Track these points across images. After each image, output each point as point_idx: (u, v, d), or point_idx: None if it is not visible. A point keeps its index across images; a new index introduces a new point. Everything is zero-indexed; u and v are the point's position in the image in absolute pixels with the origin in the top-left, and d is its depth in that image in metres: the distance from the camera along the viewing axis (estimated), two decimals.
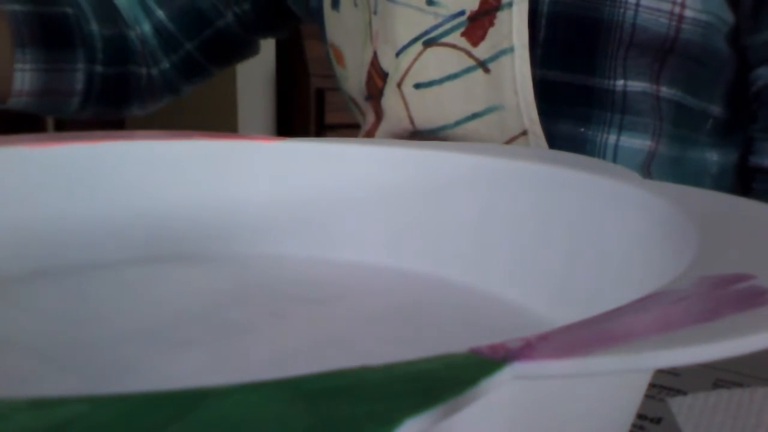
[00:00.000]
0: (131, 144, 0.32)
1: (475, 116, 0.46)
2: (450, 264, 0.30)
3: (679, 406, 0.23)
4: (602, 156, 0.46)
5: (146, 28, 0.63)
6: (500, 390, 0.09)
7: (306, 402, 0.08)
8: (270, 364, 0.22)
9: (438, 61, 0.46)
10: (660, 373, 0.26)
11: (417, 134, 0.49)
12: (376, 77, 0.50)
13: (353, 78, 0.55)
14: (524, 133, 0.45)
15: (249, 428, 0.07)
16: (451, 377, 0.09)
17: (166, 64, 0.64)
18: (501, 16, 0.44)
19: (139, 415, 0.07)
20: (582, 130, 0.45)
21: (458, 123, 0.46)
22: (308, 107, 2.19)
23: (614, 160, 0.46)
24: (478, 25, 0.45)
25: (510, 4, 0.43)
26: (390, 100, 0.49)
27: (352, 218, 0.32)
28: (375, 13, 0.49)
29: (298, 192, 0.33)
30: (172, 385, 0.20)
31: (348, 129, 2.20)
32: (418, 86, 0.47)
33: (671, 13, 0.42)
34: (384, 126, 0.50)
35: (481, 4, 0.44)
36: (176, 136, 0.33)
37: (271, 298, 0.27)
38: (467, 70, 0.45)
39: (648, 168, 0.46)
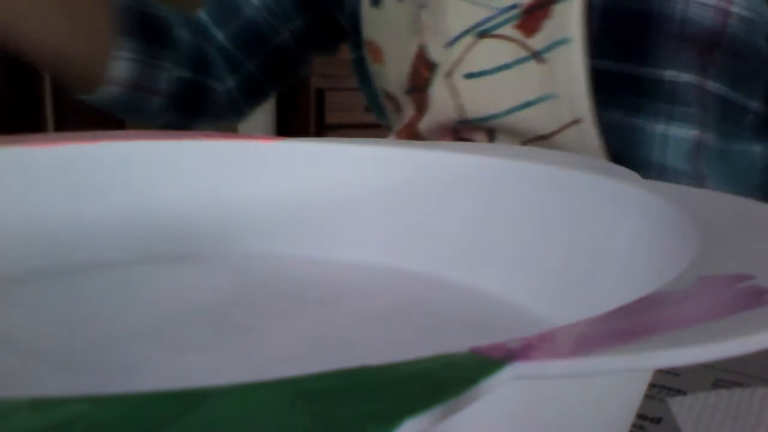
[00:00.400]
0: (131, 144, 0.32)
1: (527, 105, 0.47)
2: (450, 264, 0.30)
3: (679, 406, 0.23)
4: (651, 145, 0.47)
5: (212, 50, 0.65)
6: (500, 390, 0.09)
7: (306, 402, 0.08)
8: (270, 364, 0.22)
9: (490, 52, 0.48)
10: (660, 373, 0.26)
11: (465, 123, 0.50)
12: (423, 69, 0.51)
13: (394, 72, 0.56)
14: (575, 121, 0.46)
15: (249, 428, 0.07)
16: (451, 377, 0.09)
17: (231, 83, 0.66)
18: (557, 8, 0.45)
19: (139, 415, 0.07)
20: (632, 119, 0.46)
21: (509, 111, 0.48)
22: (308, 107, 2.19)
23: (663, 149, 0.47)
24: (533, 16, 0.46)
25: None
26: (438, 90, 0.50)
27: (352, 218, 0.32)
28: (424, 6, 0.51)
29: (298, 192, 0.33)
30: (173, 385, 0.20)
31: (348, 129, 2.20)
32: (469, 76, 0.49)
33: (717, 8, 0.44)
34: (429, 116, 0.51)
35: None
36: (176, 136, 0.33)
37: (271, 298, 0.27)
38: (520, 61, 0.47)
39: (697, 159, 0.47)
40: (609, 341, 0.10)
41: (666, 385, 0.25)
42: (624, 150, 0.47)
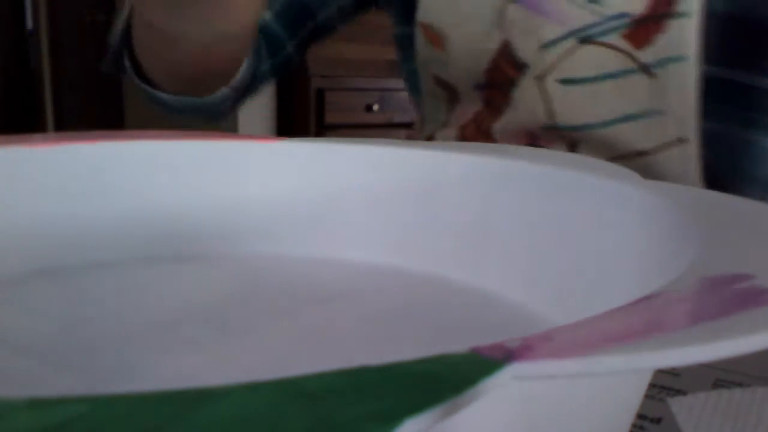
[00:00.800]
0: (131, 144, 0.32)
1: (628, 118, 0.46)
2: (450, 264, 0.30)
3: (679, 406, 0.23)
4: (759, 160, 0.45)
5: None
6: (500, 390, 0.09)
7: (306, 402, 0.08)
8: (270, 364, 0.22)
9: (592, 60, 0.46)
10: (660, 373, 0.26)
11: (552, 129, 0.48)
12: (507, 67, 0.49)
13: (459, 63, 0.53)
14: (680, 140, 0.44)
15: (249, 428, 0.07)
16: (451, 377, 0.09)
17: (267, 66, 0.62)
18: (673, 24, 0.43)
19: (139, 415, 0.07)
20: (742, 132, 0.45)
21: (608, 123, 0.46)
22: (308, 107, 2.19)
23: None
24: (644, 28, 0.44)
25: (685, 15, 0.43)
26: (525, 92, 0.48)
27: (351, 218, 0.32)
28: (515, 1, 0.48)
29: (298, 192, 0.33)
30: (172, 385, 0.20)
31: (348, 129, 2.20)
32: (565, 82, 0.47)
33: None
34: (510, 117, 0.50)
35: (650, 8, 0.44)
36: (176, 136, 0.33)
37: (270, 298, 0.27)
38: (626, 72, 0.45)
39: None
40: (609, 341, 0.10)
41: (666, 385, 0.25)
42: (728, 164, 0.45)
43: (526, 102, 0.48)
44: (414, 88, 0.61)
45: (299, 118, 2.24)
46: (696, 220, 0.19)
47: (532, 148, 0.32)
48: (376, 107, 2.22)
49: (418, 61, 0.57)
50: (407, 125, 2.24)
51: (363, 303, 0.27)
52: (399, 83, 2.23)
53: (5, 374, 0.20)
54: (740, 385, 0.24)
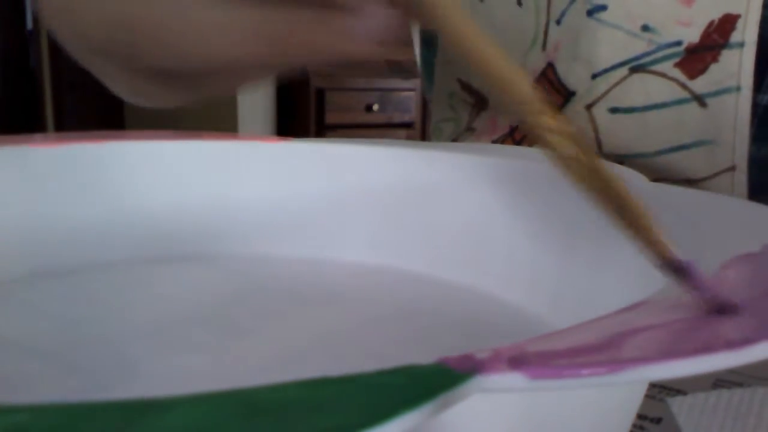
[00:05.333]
0: (131, 144, 0.32)
1: (681, 148, 0.45)
2: (449, 264, 0.30)
3: (679, 406, 0.23)
4: None
5: None
6: (500, 390, 0.09)
7: (255, 415, 0.08)
8: (269, 365, 0.22)
9: (644, 89, 0.45)
10: None
11: (604, 157, 0.47)
12: (552, 93, 0.48)
13: None
14: (731, 168, 0.44)
15: None
16: (413, 389, 0.08)
17: None
18: (728, 54, 0.43)
19: (80, 426, 0.07)
20: None
21: (660, 153, 0.46)
22: (308, 107, 2.19)
23: None
24: (697, 58, 0.44)
25: (740, 45, 0.43)
26: (573, 120, 0.47)
27: (352, 218, 0.32)
28: (558, 23, 0.47)
29: (298, 192, 0.33)
30: (173, 384, 0.20)
31: (348, 129, 2.20)
32: (615, 111, 0.46)
33: None
34: None
35: (703, 38, 0.43)
36: (176, 136, 0.33)
37: (270, 298, 0.27)
38: (679, 102, 0.45)
39: None
40: (582, 354, 0.10)
41: (666, 385, 0.25)
42: None
43: None
44: (427, 76, 0.59)
45: (299, 118, 2.24)
46: (694, 222, 0.19)
47: (531, 148, 0.32)
48: (376, 107, 2.22)
49: (439, 58, 0.55)
50: (407, 125, 2.24)
51: (362, 304, 0.27)
52: (399, 83, 2.23)
53: (7, 374, 0.20)
54: (740, 385, 0.24)
